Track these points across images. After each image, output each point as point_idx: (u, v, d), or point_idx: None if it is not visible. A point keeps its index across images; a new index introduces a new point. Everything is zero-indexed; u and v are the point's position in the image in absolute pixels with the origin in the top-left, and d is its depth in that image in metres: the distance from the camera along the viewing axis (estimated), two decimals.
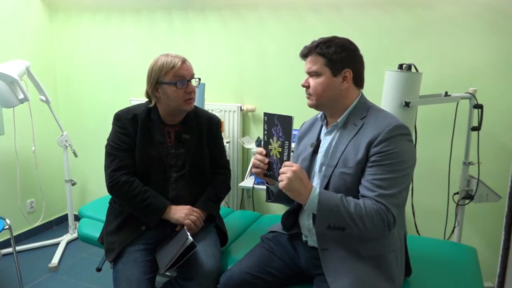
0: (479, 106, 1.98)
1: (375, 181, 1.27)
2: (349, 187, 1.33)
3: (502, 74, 2.14)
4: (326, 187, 1.38)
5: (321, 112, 1.50)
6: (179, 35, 2.80)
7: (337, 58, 1.35)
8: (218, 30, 2.70)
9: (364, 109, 1.39)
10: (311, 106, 1.44)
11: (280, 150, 1.34)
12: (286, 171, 1.27)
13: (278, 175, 1.31)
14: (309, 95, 1.42)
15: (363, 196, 1.29)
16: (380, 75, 2.04)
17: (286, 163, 1.30)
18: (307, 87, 1.41)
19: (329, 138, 1.45)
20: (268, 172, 1.40)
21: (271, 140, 1.37)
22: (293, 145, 1.50)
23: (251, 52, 2.64)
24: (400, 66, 1.93)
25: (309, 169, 1.48)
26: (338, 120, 1.41)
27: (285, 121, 1.31)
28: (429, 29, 2.23)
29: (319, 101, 1.39)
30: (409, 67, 1.91)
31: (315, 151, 1.48)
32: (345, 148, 1.36)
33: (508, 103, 2.15)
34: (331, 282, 1.33)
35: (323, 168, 1.41)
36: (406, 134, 1.31)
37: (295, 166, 1.27)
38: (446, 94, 2.00)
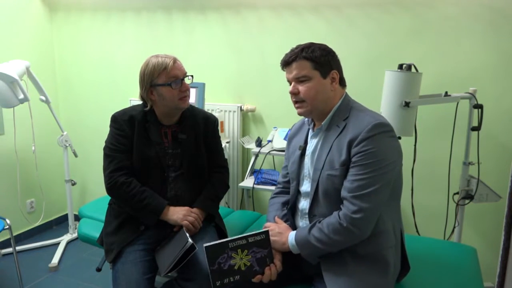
0: (479, 106, 1.97)
1: (354, 182, 1.28)
2: (337, 188, 1.34)
3: (502, 74, 2.14)
4: (316, 190, 1.40)
5: None
6: (179, 35, 2.80)
7: (324, 60, 1.36)
8: (218, 30, 2.69)
9: (347, 110, 1.40)
10: (303, 113, 1.42)
11: (248, 256, 1.34)
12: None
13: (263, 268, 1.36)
14: (300, 102, 1.40)
15: (343, 198, 1.31)
16: (380, 75, 2.04)
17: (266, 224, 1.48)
18: (296, 93, 1.39)
19: (314, 141, 1.46)
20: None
21: (232, 260, 1.31)
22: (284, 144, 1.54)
23: (251, 52, 2.64)
24: (400, 66, 1.93)
25: (298, 173, 1.50)
26: (322, 123, 1.42)
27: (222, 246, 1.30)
28: (429, 29, 2.23)
29: (313, 105, 1.39)
30: (409, 67, 1.91)
31: (302, 154, 1.50)
32: (329, 150, 1.37)
33: (508, 103, 2.15)
34: (328, 281, 1.33)
35: (311, 171, 1.43)
36: (387, 131, 1.31)
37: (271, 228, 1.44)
38: (446, 94, 2.00)
